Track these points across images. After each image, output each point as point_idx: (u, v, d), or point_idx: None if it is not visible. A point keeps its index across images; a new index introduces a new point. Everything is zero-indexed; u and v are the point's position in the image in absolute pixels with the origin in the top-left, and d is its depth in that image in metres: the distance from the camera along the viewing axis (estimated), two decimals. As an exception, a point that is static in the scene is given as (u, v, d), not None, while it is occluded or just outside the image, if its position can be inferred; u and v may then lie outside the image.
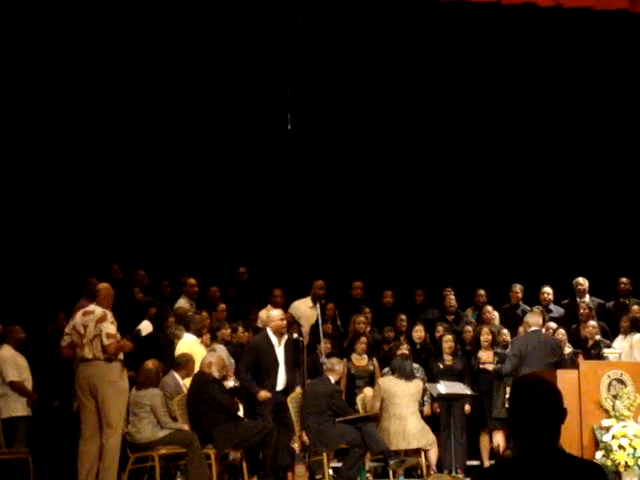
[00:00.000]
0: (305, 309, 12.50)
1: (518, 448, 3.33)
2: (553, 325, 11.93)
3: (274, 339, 10.55)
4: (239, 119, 14.32)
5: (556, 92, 14.63)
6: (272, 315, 10.74)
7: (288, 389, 10.64)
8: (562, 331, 11.76)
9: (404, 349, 11.62)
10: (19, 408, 10.49)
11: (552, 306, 12.89)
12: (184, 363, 10.35)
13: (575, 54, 14.44)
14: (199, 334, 11.03)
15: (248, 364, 10.45)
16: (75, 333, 9.05)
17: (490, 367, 11.59)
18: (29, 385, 10.63)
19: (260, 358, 10.41)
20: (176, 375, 10.36)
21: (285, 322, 10.75)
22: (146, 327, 9.42)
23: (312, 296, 12.56)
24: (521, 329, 11.63)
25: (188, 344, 10.82)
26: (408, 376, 11.00)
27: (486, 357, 11.77)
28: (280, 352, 10.55)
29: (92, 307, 9.15)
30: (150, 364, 9.90)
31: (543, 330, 11.53)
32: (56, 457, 10.34)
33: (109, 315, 9.03)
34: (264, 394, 10.26)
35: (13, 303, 11.90)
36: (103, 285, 9.37)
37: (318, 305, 12.20)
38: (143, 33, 13.65)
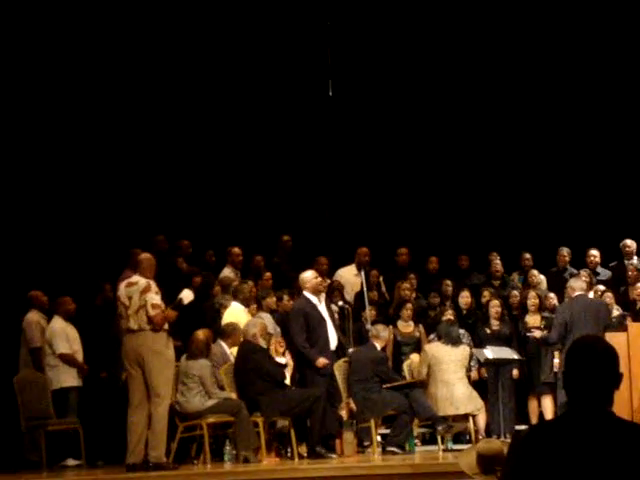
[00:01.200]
0: (350, 276, 12.49)
1: (569, 408, 3.30)
2: (601, 288, 11.83)
3: (314, 299, 10.53)
4: (282, 86, 14.28)
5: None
6: (306, 277, 10.64)
7: (340, 350, 10.64)
8: (610, 294, 11.64)
9: (450, 315, 11.59)
10: (69, 379, 10.61)
11: (599, 269, 12.77)
12: (230, 332, 10.38)
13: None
14: (246, 303, 11.06)
15: (300, 327, 10.36)
16: (120, 304, 9.11)
17: (537, 333, 11.50)
18: (80, 356, 10.73)
19: (309, 319, 10.38)
20: (223, 344, 10.41)
21: (320, 279, 10.74)
22: (187, 296, 9.43)
23: (357, 263, 12.53)
24: (552, 294, 11.57)
25: (235, 313, 10.85)
26: (455, 341, 10.97)
27: (533, 321, 11.69)
28: (324, 311, 10.56)
29: (135, 278, 9.18)
30: (201, 334, 9.95)
31: (590, 294, 11.45)
32: (106, 427, 10.45)
33: (153, 285, 9.07)
34: (323, 361, 10.23)
35: (61, 275, 12.01)
36: (145, 255, 9.39)
37: (363, 272, 12.18)
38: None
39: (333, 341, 10.59)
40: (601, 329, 10.28)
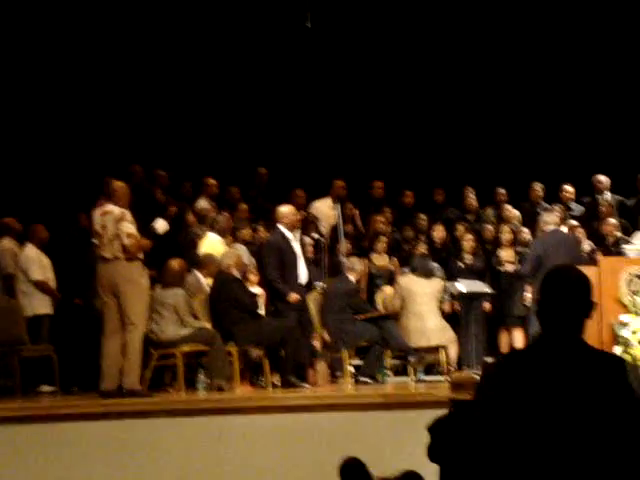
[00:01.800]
0: (325, 209, 12.48)
1: (541, 336, 3.35)
2: (573, 222, 11.91)
3: (289, 234, 10.48)
4: (259, 16, 14.15)
5: None
6: (283, 211, 10.56)
7: (310, 282, 10.71)
8: (581, 229, 11.72)
9: (423, 248, 11.66)
10: (43, 306, 10.59)
11: (572, 204, 12.85)
12: (207, 262, 10.40)
13: None
14: (223, 234, 11.07)
15: (275, 262, 10.35)
16: (94, 232, 9.09)
17: (510, 267, 11.60)
18: (53, 284, 10.73)
19: (282, 255, 10.38)
20: (198, 274, 10.44)
21: (297, 217, 10.71)
22: (161, 225, 9.43)
23: (332, 196, 12.53)
24: (525, 228, 11.64)
25: (212, 244, 10.86)
26: (428, 274, 11.05)
27: (506, 256, 11.79)
28: (297, 246, 10.56)
29: (110, 207, 9.14)
30: (175, 264, 9.97)
31: (564, 228, 11.54)
32: (80, 354, 10.48)
33: (127, 214, 9.05)
34: (295, 297, 10.26)
35: (35, 204, 11.96)
36: (119, 184, 9.34)
37: (338, 205, 12.20)
38: None
39: (303, 275, 10.61)
40: (574, 263, 10.35)
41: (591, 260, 10.96)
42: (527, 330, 11.05)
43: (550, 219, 11.03)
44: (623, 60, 14.33)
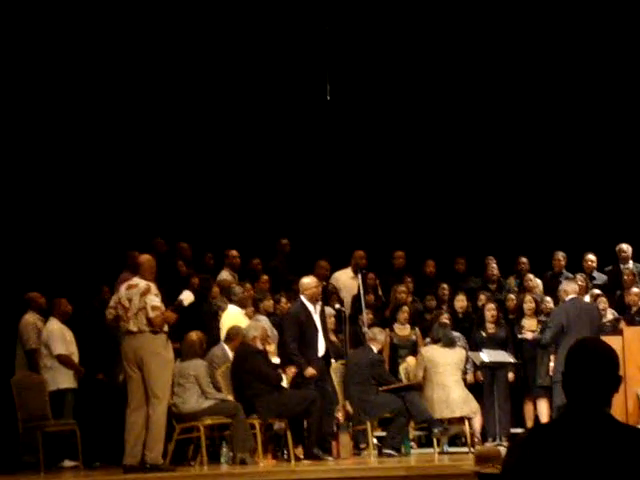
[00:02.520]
0: (346, 279, 12.52)
1: (567, 409, 3.33)
2: (596, 291, 11.87)
3: (310, 307, 10.48)
4: (279, 90, 14.30)
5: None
6: (306, 283, 10.55)
7: (328, 355, 10.68)
8: (604, 298, 11.68)
9: (445, 318, 11.62)
10: (66, 380, 10.62)
11: (595, 273, 12.80)
12: (234, 336, 10.37)
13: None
14: (242, 305, 11.09)
15: (294, 334, 10.35)
16: (120, 306, 9.13)
17: (529, 335, 11.57)
18: (76, 358, 10.75)
19: (302, 327, 10.37)
20: (225, 347, 10.42)
21: (319, 289, 10.72)
22: (188, 297, 9.48)
23: (353, 266, 12.56)
24: (549, 297, 11.62)
25: (232, 316, 10.88)
26: (450, 344, 11.00)
27: (529, 325, 11.74)
28: (317, 319, 10.57)
29: (136, 280, 9.22)
30: (194, 335, 9.98)
31: (586, 298, 11.51)
32: (103, 429, 10.47)
33: (153, 287, 9.10)
34: (311, 372, 10.22)
35: (58, 277, 12.02)
36: (145, 257, 9.42)
37: (359, 275, 12.21)
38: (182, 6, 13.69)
39: (321, 348, 10.60)
40: (594, 332, 10.32)
41: (615, 329, 10.92)
42: (552, 401, 10.95)
43: (570, 288, 11.00)
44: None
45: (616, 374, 3.34)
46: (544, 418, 11.11)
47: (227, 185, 14.23)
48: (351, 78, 14.23)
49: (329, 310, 11.33)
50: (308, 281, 10.60)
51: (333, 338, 11.23)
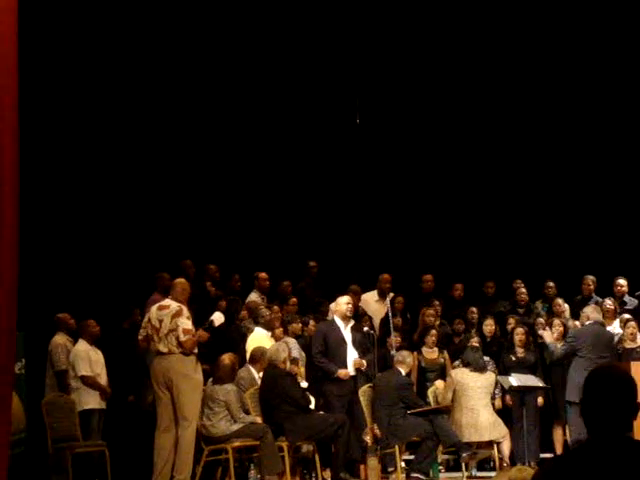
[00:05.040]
0: (372, 302, 12.59)
1: (589, 436, 3.32)
2: (626, 316, 11.81)
3: (340, 323, 10.82)
4: (310, 113, 14.37)
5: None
6: (338, 300, 11.02)
7: (357, 378, 10.72)
8: (633, 323, 11.61)
9: (476, 342, 11.60)
10: (92, 401, 10.64)
11: (627, 297, 12.74)
12: (259, 357, 10.41)
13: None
14: (269, 328, 11.11)
15: (320, 347, 10.68)
16: (150, 327, 9.17)
17: (547, 336, 11.59)
18: (103, 379, 10.77)
19: (327, 339, 10.68)
20: (251, 369, 10.45)
21: (350, 306, 10.90)
22: (219, 318, 9.55)
23: (378, 290, 12.68)
24: (579, 321, 11.63)
25: (259, 338, 10.91)
26: (481, 368, 10.98)
27: (549, 337, 11.66)
28: (347, 334, 10.73)
29: (167, 301, 9.27)
30: (227, 359, 9.98)
31: (616, 322, 11.51)
32: (132, 450, 10.49)
33: (185, 310, 9.14)
34: (344, 372, 10.43)
35: (87, 298, 12.08)
36: (179, 280, 9.50)
37: (388, 299, 12.23)
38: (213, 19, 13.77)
39: (351, 367, 10.70)
40: (612, 359, 10.44)
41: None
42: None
43: (592, 314, 11.19)
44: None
45: (634, 400, 3.33)
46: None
47: (256, 207, 14.28)
48: (381, 102, 14.27)
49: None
50: (341, 299, 10.99)
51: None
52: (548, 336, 11.52)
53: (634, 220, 14.17)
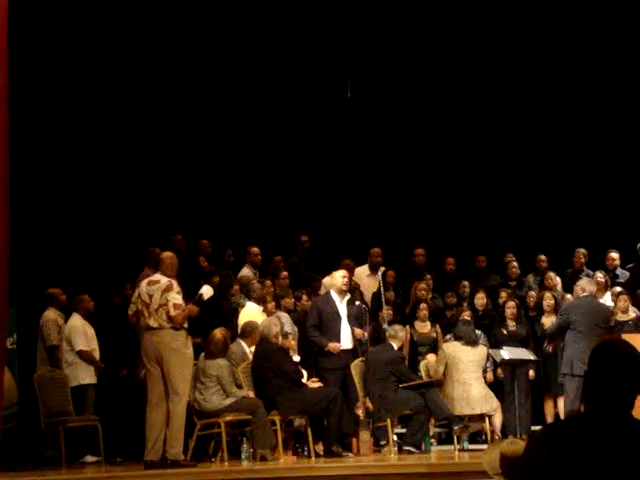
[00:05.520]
0: (363, 276, 12.62)
1: (588, 409, 3.32)
2: (617, 289, 11.83)
3: (335, 296, 10.94)
4: (300, 88, 14.33)
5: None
6: (333, 274, 11.16)
7: (355, 351, 10.77)
8: (625, 296, 11.62)
9: (467, 315, 11.62)
10: (87, 376, 10.68)
11: (618, 270, 12.75)
12: (250, 331, 10.43)
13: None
14: (261, 302, 11.12)
15: (313, 321, 10.83)
16: (140, 302, 9.17)
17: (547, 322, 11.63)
18: (96, 354, 10.80)
19: (321, 313, 10.81)
20: (243, 343, 10.47)
21: (346, 280, 10.99)
22: (207, 291, 9.53)
23: (369, 264, 12.71)
24: (569, 295, 11.65)
25: (251, 313, 10.91)
26: (472, 342, 11.02)
27: (549, 323, 11.72)
28: (342, 308, 10.81)
29: (157, 276, 9.25)
30: (219, 334, 9.98)
31: (608, 295, 11.54)
32: (124, 424, 10.52)
33: (175, 284, 9.13)
34: (334, 345, 10.57)
35: (80, 273, 12.08)
36: (167, 254, 9.46)
37: (380, 273, 12.24)
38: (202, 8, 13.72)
39: (346, 339, 10.76)
40: (604, 333, 10.46)
41: (637, 327, 10.90)
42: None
43: (587, 286, 11.18)
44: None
45: (639, 377, 3.32)
46: (564, 415, 11.09)
47: (248, 182, 14.26)
48: (372, 76, 14.24)
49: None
50: (336, 273, 11.13)
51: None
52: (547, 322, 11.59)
53: (625, 193, 14.19)
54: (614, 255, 12.75)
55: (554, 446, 3.23)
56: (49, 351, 10.71)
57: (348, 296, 11.02)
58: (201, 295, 9.44)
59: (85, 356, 10.64)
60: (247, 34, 14.09)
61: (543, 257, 13.00)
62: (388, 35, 14.38)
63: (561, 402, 11.31)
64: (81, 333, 10.67)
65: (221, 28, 13.98)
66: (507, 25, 14.42)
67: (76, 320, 10.74)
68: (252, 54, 14.16)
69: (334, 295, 10.94)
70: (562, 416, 11.07)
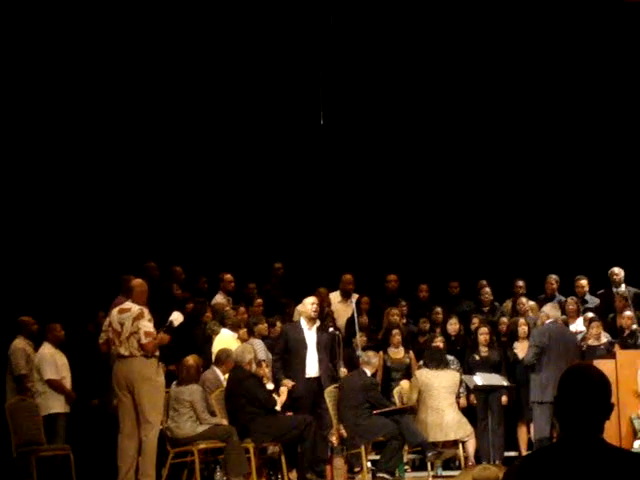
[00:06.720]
0: (334, 303, 12.62)
1: (561, 435, 3.33)
2: (590, 315, 11.89)
3: (304, 324, 10.87)
4: (273, 115, 14.36)
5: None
6: (304, 301, 11.09)
7: (321, 379, 10.73)
8: (597, 322, 11.68)
9: (439, 341, 11.64)
10: (57, 405, 10.60)
11: (588, 296, 12.84)
12: (224, 359, 10.39)
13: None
14: (235, 329, 11.10)
15: (279, 350, 10.83)
16: (112, 330, 9.13)
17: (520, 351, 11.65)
18: (68, 383, 10.73)
19: (288, 341, 10.77)
20: (217, 370, 10.43)
21: (315, 306, 10.93)
22: (177, 318, 9.50)
23: (341, 290, 12.74)
24: (539, 321, 11.68)
25: (225, 339, 10.88)
26: (443, 364, 11.03)
27: (522, 348, 11.75)
28: (310, 336, 10.75)
29: (128, 304, 9.22)
30: (191, 360, 9.96)
31: (579, 321, 11.60)
32: (96, 453, 10.45)
33: (146, 312, 9.10)
34: (287, 383, 10.53)
35: (52, 302, 12.01)
36: (137, 281, 9.43)
37: (353, 299, 12.26)
38: (180, 23, 13.71)
39: (313, 368, 10.74)
40: (573, 357, 10.50)
41: (609, 353, 10.95)
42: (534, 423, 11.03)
43: (552, 313, 11.27)
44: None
45: (608, 402, 3.34)
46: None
47: (221, 209, 14.25)
48: (345, 103, 14.28)
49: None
50: (306, 300, 11.06)
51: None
52: (521, 350, 11.61)
53: (596, 220, 14.28)
54: (583, 282, 12.85)
55: (533, 475, 3.24)
56: (17, 380, 10.61)
57: (318, 323, 10.99)
58: (171, 322, 9.42)
59: (54, 385, 10.56)
60: (219, 63, 14.09)
61: (521, 283, 13.04)
62: (361, 62, 14.43)
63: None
64: (50, 362, 10.59)
65: (194, 53, 13.97)
66: (491, 33, 14.47)
67: (46, 349, 10.67)
68: (225, 84, 14.16)
69: (303, 323, 10.90)
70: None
